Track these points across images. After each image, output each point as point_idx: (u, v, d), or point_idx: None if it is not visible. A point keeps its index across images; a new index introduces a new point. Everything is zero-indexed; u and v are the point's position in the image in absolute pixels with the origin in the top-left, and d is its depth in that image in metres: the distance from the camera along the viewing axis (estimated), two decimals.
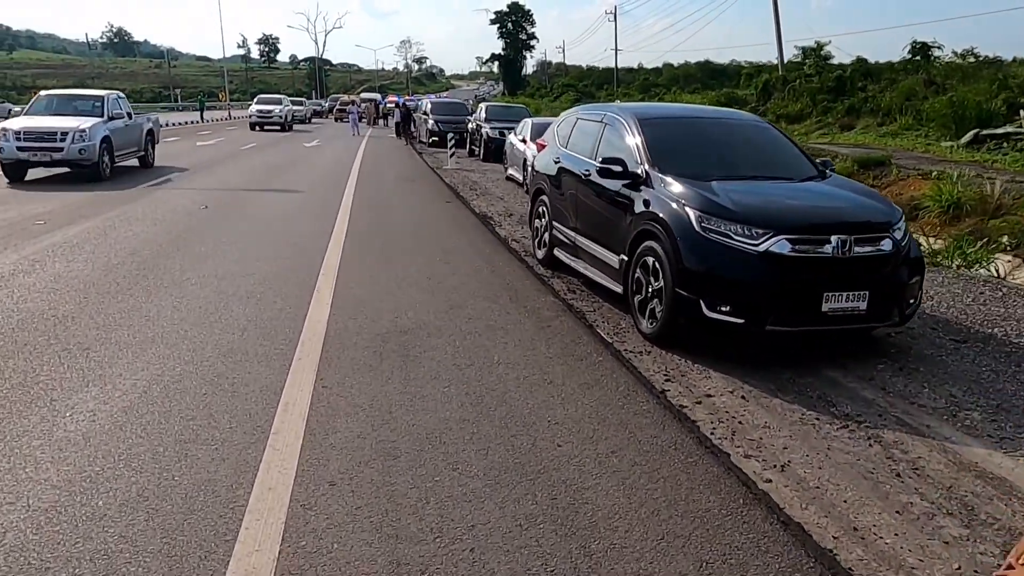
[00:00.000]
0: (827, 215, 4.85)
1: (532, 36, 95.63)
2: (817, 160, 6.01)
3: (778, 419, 3.94)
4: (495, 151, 20.01)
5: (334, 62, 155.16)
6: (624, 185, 5.54)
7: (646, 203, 5.22)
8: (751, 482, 3.24)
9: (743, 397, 4.20)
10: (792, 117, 34.20)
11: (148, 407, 3.68)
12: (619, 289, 5.57)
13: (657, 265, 4.94)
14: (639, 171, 5.47)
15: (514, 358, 4.58)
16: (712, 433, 3.71)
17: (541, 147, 7.96)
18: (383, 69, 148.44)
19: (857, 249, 4.61)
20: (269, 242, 8.06)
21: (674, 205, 4.95)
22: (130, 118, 14.84)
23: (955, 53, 34.17)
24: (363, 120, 37.88)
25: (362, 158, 20.22)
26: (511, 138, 15.99)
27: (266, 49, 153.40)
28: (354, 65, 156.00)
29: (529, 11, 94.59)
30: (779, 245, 4.53)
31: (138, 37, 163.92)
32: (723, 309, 4.57)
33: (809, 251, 4.56)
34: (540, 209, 7.48)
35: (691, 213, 4.79)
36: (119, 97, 15.06)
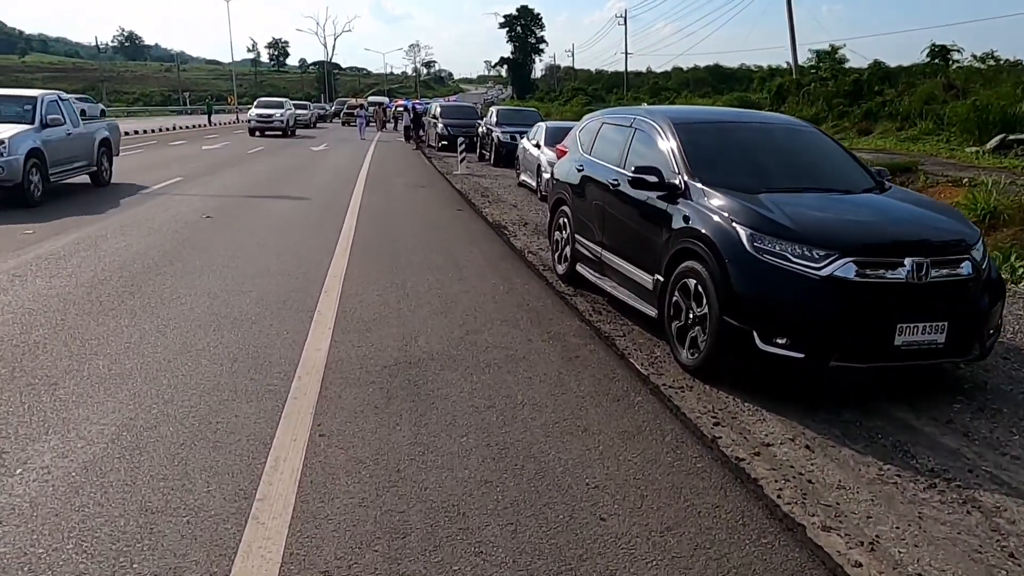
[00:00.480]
0: (898, 234, 4.25)
1: (541, 40, 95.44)
2: (873, 169, 5.41)
3: (853, 476, 3.35)
4: (506, 156, 19.48)
5: (343, 66, 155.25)
6: (659, 197, 4.96)
7: (686, 218, 4.64)
8: (838, 568, 2.65)
9: (807, 447, 3.60)
10: (807, 121, 33.50)
11: (113, 463, 3.13)
12: (652, 313, 4.99)
13: (700, 288, 4.36)
14: (676, 181, 4.89)
15: (540, 398, 4.00)
16: (779, 496, 3.12)
17: (561, 153, 7.40)
18: (392, 73, 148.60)
19: (934, 273, 4.01)
20: (269, 255, 7.51)
21: (719, 221, 4.36)
22: (75, 124, 12.07)
23: (975, 56, 33.42)
24: (371, 124, 37.42)
25: (370, 163, 19.72)
26: (524, 143, 15.43)
27: (275, 53, 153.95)
28: (363, 69, 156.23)
29: (538, 15, 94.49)
30: (845, 268, 3.94)
31: (149, 41, 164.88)
32: (780, 342, 3.98)
33: (880, 276, 3.97)
34: (561, 221, 6.91)
35: (741, 231, 4.21)
36: (59, 99, 12.06)
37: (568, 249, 6.69)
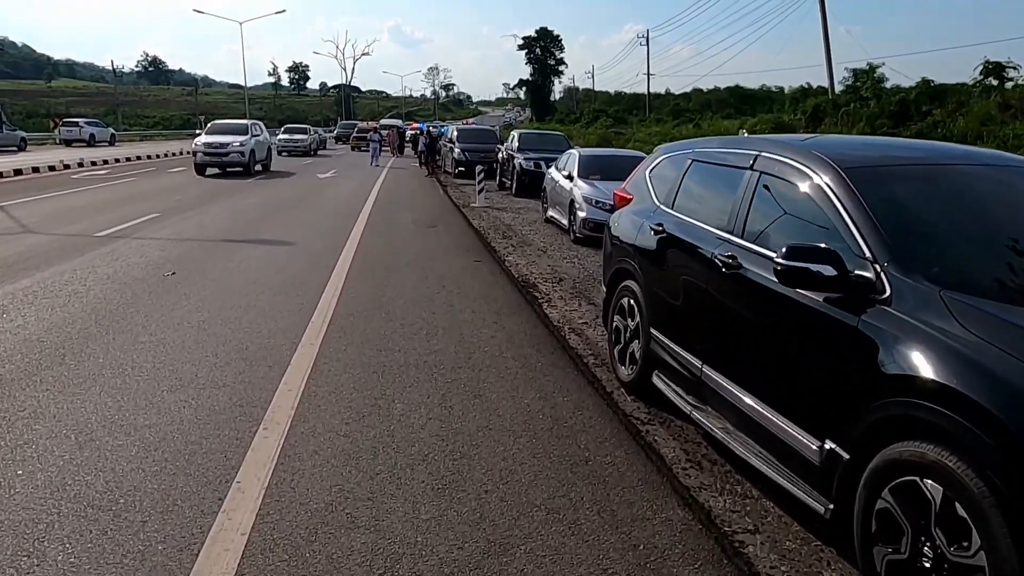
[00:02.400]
0: None
1: (560, 61, 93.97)
2: None
3: None
4: (529, 185, 17.40)
5: (363, 89, 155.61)
6: (833, 301, 2.76)
7: (899, 352, 2.42)
8: None
9: None
10: None
11: None
12: (820, 508, 2.76)
13: (964, 512, 2.13)
14: (868, 275, 2.68)
15: None
16: None
17: (621, 201, 5.20)
18: (411, 96, 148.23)
19: None
20: (207, 346, 5.37)
21: (987, 368, 2.15)
22: None
23: None
24: (385, 149, 35.49)
25: (377, 194, 17.67)
26: (552, 173, 13.29)
27: (296, 77, 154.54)
28: (382, 92, 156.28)
29: (558, 36, 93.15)
30: None
31: (173, 66, 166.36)
32: None
33: None
34: (626, 303, 4.69)
35: None
36: None
37: (638, 347, 4.48)
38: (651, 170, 4.92)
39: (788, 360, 3.03)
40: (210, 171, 22.15)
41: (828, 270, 2.71)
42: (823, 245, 2.79)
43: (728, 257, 3.46)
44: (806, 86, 53.31)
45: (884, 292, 2.62)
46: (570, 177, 11.79)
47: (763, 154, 3.60)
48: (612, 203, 11.19)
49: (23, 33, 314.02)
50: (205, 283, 7.30)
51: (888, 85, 42.70)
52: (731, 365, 3.48)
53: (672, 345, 4.03)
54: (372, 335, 5.60)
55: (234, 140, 22.31)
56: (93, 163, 26.47)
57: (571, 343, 5.66)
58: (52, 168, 23.32)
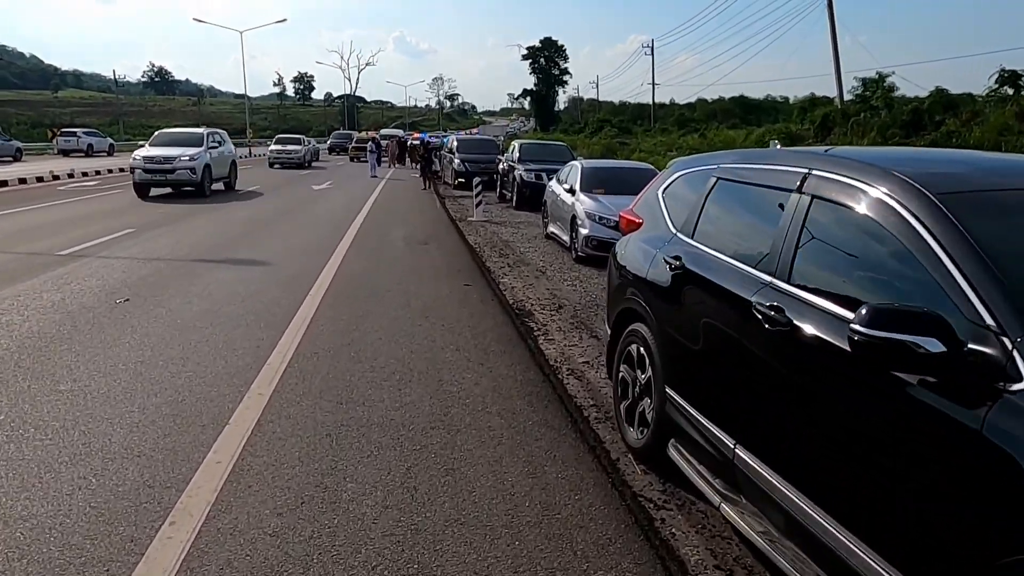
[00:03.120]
0: None
1: (565, 71, 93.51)
2: None
3: None
4: (530, 197, 16.61)
5: (368, 99, 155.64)
6: (938, 388, 1.91)
7: None
8: None
9: None
10: None
11: None
12: None
13: None
14: (993, 352, 1.84)
15: None
16: None
17: (630, 226, 4.35)
18: (416, 106, 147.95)
19: None
20: (135, 398, 4.54)
21: None
22: None
23: None
24: (385, 160, 34.72)
25: (371, 207, 16.88)
26: (553, 186, 12.47)
27: (301, 87, 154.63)
28: (387, 102, 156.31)
29: (562, 46, 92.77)
30: None
31: (180, 77, 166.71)
32: None
33: None
34: (635, 350, 3.84)
35: None
36: None
37: (650, 407, 3.63)
38: (665, 189, 4.09)
39: (865, 462, 2.17)
40: (159, 191, 18.05)
41: (934, 344, 1.86)
42: (924, 308, 1.94)
43: (771, 308, 2.61)
44: (814, 96, 52.56)
45: (1019, 379, 1.77)
46: (572, 191, 10.96)
47: (815, 172, 2.75)
48: (617, 220, 10.44)
49: (32, 44, 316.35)
50: (159, 313, 6.47)
51: (897, 94, 41.92)
52: (776, 450, 2.62)
53: (694, 413, 3.18)
54: (335, 381, 4.76)
55: (182, 153, 18.05)
56: (84, 174, 25.79)
57: (569, 389, 4.82)
58: (40, 179, 22.64)
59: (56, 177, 23.68)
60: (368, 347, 5.53)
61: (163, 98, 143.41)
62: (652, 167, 12.28)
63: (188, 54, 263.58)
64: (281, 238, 11.48)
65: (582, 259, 10.06)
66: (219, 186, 19.99)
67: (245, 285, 7.73)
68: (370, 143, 32.42)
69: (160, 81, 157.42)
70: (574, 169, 11.70)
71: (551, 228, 12.21)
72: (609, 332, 4.27)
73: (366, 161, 31.03)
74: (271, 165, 32.85)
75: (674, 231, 3.74)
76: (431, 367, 5.12)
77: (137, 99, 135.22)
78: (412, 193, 21.45)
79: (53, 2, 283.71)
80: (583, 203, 10.36)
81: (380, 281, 8.17)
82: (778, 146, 4.46)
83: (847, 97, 42.83)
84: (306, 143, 36.03)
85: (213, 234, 11.72)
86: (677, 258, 3.50)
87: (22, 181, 21.71)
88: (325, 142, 52.62)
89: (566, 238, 11.02)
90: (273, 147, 34.98)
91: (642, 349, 3.77)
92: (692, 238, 3.54)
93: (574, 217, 10.45)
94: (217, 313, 6.49)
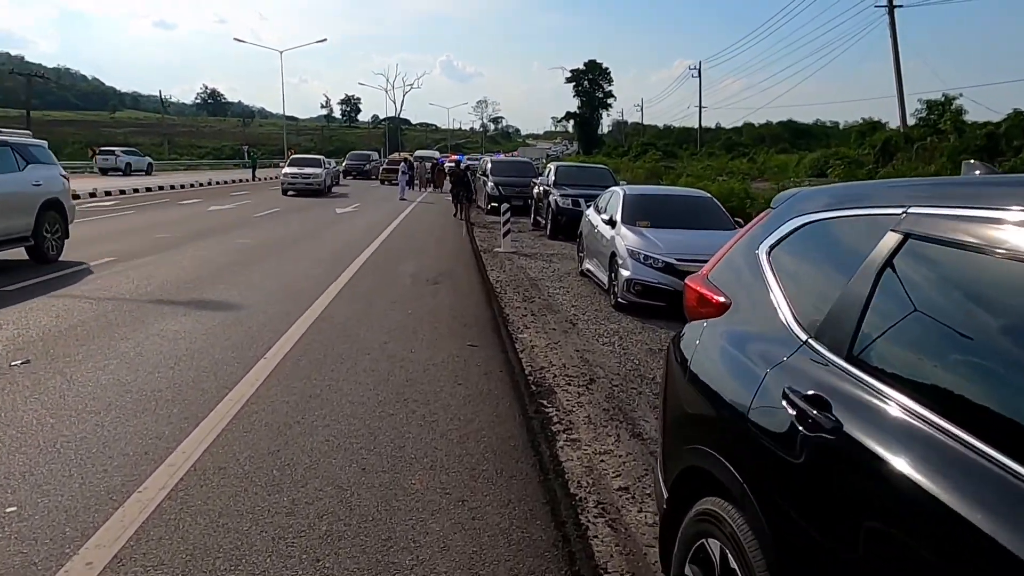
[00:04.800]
0: None
1: (609, 94, 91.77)
2: None
3: None
4: (566, 225, 14.86)
5: (413, 121, 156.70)
6: None
7: None
8: None
9: None
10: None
11: None
12: None
13: None
14: None
15: None
16: None
17: (703, 304, 2.51)
18: (460, 128, 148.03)
19: None
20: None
21: None
22: None
23: None
24: (416, 183, 33.23)
25: (389, 235, 15.29)
26: (590, 216, 10.65)
27: (347, 109, 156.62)
28: (431, 124, 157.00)
29: (606, 69, 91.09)
30: None
31: (232, 99, 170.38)
32: None
33: None
34: (713, 549, 1.97)
35: None
36: None
37: None
38: (774, 246, 2.24)
39: None
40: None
41: None
42: None
43: None
44: (867, 120, 49.65)
45: None
46: (612, 222, 9.13)
47: None
48: (665, 260, 8.53)
49: (93, 67, 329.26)
50: (49, 385, 4.85)
51: (966, 118, 39.07)
52: None
53: None
54: (223, 534, 3.01)
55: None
56: (108, 193, 25.05)
57: (598, 554, 2.99)
58: None
59: (76, 196, 22.78)
60: (301, 463, 3.77)
61: (214, 119, 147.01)
62: (708, 195, 10.37)
63: (240, 77, 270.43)
64: (272, 272, 9.90)
65: (622, 306, 8.21)
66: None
67: (191, 340, 6.08)
68: (402, 164, 30.67)
69: (213, 103, 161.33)
70: (615, 196, 9.87)
71: (587, 264, 10.38)
72: (665, 497, 2.42)
73: (396, 183, 29.48)
74: (285, 192, 27.55)
75: (801, 333, 1.91)
76: (381, 511, 3.30)
77: (189, 120, 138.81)
78: (440, 219, 19.78)
79: (114, 27, 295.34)
80: (625, 238, 8.53)
81: (363, 338, 6.43)
82: (977, 171, 2.47)
83: (909, 121, 40.13)
84: (326, 164, 30.90)
85: (198, 265, 10.22)
86: (818, 401, 1.67)
87: None
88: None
89: (603, 278, 9.18)
90: (287, 170, 29.04)
91: (727, 552, 1.93)
92: (848, 357, 1.70)
93: (614, 254, 8.61)
94: (126, 387, 4.83)
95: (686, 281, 2.68)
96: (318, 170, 28.59)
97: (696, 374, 2.34)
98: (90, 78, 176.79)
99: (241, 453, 3.83)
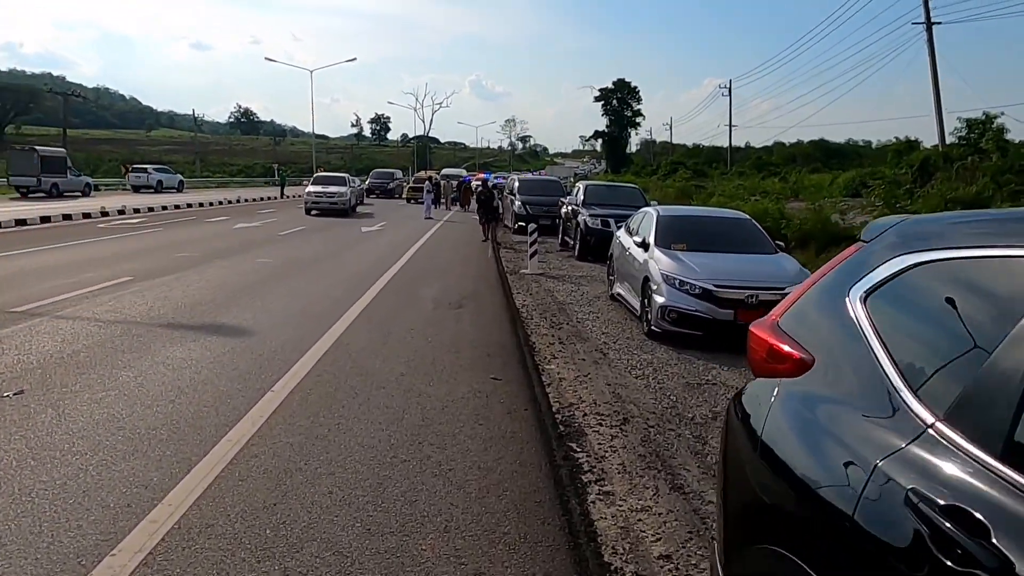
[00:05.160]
0: None
1: (638, 113, 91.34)
2: None
3: None
4: (595, 247, 14.38)
5: (442, 140, 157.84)
6: None
7: None
8: None
9: None
10: (967, 202, 26.87)
11: None
12: None
13: None
14: None
15: None
16: None
17: (774, 358, 2.04)
18: (488, 147, 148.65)
19: None
20: None
21: None
22: None
23: None
24: (442, 203, 32.98)
25: (412, 256, 14.95)
26: (621, 237, 10.17)
27: (377, 128, 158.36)
28: (460, 143, 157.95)
29: (635, 88, 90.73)
30: None
31: (265, 118, 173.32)
32: None
33: None
34: None
35: None
36: None
37: None
38: (872, 291, 1.76)
39: None
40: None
41: None
42: None
43: None
44: (900, 139, 48.51)
45: None
46: (645, 245, 8.65)
47: None
48: (702, 285, 8.00)
49: (131, 87, 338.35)
50: (43, 417, 4.51)
51: (1008, 137, 37.94)
52: None
53: None
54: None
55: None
56: (136, 210, 25.21)
57: None
58: (87, 215, 21.91)
59: (105, 213, 22.98)
60: (299, 518, 3.33)
61: (247, 138, 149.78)
62: (747, 216, 9.84)
63: (272, 96, 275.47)
64: (290, 294, 9.58)
65: (655, 334, 7.71)
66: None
67: (196, 370, 5.72)
68: (426, 183, 30.16)
69: (246, 122, 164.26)
70: (647, 217, 9.39)
71: (618, 288, 9.89)
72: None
73: (422, 202, 29.22)
74: (308, 212, 26.14)
75: (924, 414, 1.43)
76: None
77: (223, 138, 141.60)
78: (465, 238, 19.41)
79: (153, 49, 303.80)
80: (659, 262, 8.03)
81: (378, 369, 6.01)
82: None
83: (948, 140, 39.07)
84: (351, 183, 29.09)
85: (216, 286, 9.94)
86: (961, 516, 1.19)
87: (66, 217, 20.98)
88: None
89: (636, 304, 8.68)
90: (311, 188, 27.38)
91: None
92: (1004, 453, 1.23)
93: (647, 279, 8.12)
94: (120, 424, 4.46)
95: (751, 328, 2.20)
96: (343, 189, 26.95)
97: (770, 448, 1.86)
98: (128, 98, 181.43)
99: (233, 507, 3.41)
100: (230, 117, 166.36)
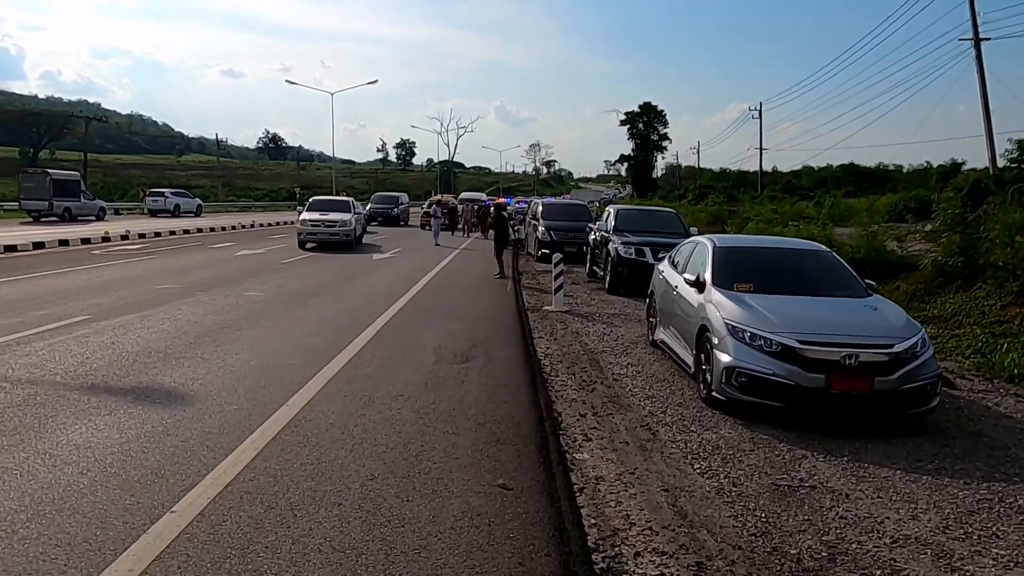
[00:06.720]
0: None
1: (664, 137, 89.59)
2: None
3: None
4: (628, 278, 12.62)
5: (467, 165, 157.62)
6: None
7: None
8: None
9: None
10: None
11: None
12: None
13: None
14: None
15: None
16: None
17: None
18: (512, 171, 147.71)
19: None
20: None
21: None
22: None
23: None
24: (460, 228, 31.24)
25: (419, 290, 13.22)
26: (665, 272, 8.35)
27: (403, 153, 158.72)
28: (485, 168, 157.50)
29: (661, 111, 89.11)
30: None
31: (293, 143, 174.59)
32: None
33: None
34: None
35: None
36: None
37: None
38: None
39: None
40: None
41: None
42: None
43: None
44: (929, 164, 46.11)
45: None
46: (699, 284, 6.84)
47: None
48: (782, 341, 5.75)
49: (163, 113, 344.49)
50: None
51: None
52: None
53: None
54: None
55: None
56: (141, 235, 24.05)
57: None
58: (85, 240, 20.70)
59: (107, 239, 21.78)
60: None
61: (274, 163, 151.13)
62: (825, 248, 7.96)
63: (300, 122, 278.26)
64: (262, 340, 7.93)
65: (718, 402, 5.89)
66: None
67: (84, 466, 4.04)
68: (434, 207, 27.39)
69: (274, 147, 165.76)
70: (700, 249, 7.57)
71: (661, 334, 8.07)
72: None
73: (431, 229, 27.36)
74: (302, 245, 20.65)
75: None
76: None
77: (250, 163, 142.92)
78: (480, 269, 17.44)
79: (185, 76, 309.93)
80: (721, 307, 6.22)
81: (340, 467, 4.26)
82: None
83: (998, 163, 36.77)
84: (354, 208, 23.35)
85: (180, 329, 8.34)
86: None
87: (63, 243, 19.77)
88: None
89: (687, 357, 6.87)
90: (306, 215, 21.63)
91: None
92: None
93: (704, 328, 6.31)
94: None
95: None
96: (346, 216, 21.53)
97: None
98: (160, 124, 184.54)
99: None
100: (258, 142, 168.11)
